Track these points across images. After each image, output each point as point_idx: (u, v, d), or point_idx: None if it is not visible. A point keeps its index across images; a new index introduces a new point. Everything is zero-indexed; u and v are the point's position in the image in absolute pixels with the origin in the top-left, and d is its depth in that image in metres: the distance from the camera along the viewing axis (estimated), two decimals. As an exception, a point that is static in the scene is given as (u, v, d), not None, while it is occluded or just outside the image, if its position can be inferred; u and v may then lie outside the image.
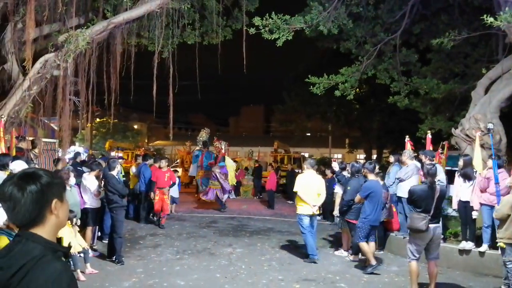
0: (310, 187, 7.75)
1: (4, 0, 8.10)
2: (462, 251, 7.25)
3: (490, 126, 8.14)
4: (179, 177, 13.60)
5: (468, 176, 7.44)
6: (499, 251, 5.98)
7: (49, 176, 1.70)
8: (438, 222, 5.85)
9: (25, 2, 8.22)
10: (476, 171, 7.44)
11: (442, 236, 6.10)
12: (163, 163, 11.05)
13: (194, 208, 14.31)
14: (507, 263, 5.72)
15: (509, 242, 5.66)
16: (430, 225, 5.60)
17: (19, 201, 1.59)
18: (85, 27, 8.70)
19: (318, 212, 8.00)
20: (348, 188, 7.94)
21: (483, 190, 7.04)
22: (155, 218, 11.18)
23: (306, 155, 37.30)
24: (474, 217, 7.35)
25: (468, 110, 9.31)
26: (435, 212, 5.67)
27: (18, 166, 5.65)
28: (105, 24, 8.78)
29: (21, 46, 8.43)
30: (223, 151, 16.12)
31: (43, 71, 7.99)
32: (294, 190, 7.92)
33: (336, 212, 9.51)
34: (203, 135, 18.25)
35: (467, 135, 8.81)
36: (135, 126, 40.73)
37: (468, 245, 7.21)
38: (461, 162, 7.61)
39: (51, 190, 1.66)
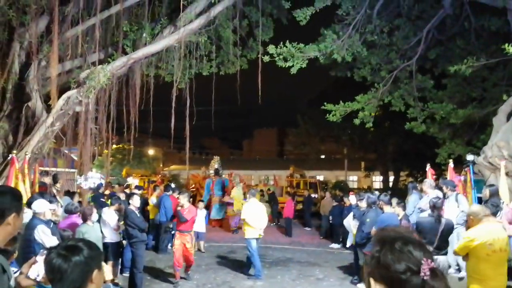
0: (256, 214, 8.96)
1: (28, 39, 8.35)
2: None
3: (469, 158, 8.17)
4: (207, 207, 12.88)
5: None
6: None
7: (90, 247, 1.83)
8: (444, 254, 5.92)
9: (48, 41, 8.48)
10: (503, 202, 7.26)
11: (448, 267, 6.17)
12: (183, 199, 8.48)
13: (210, 237, 14.21)
14: None
15: None
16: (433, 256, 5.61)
17: (65, 272, 1.74)
18: (106, 63, 8.90)
19: (262, 234, 9.27)
20: (367, 220, 7.82)
21: (511, 222, 6.85)
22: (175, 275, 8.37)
23: (321, 178, 37.12)
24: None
25: (490, 138, 9.18)
26: (440, 244, 5.80)
27: (39, 205, 5.66)
28: (125, 59, 8.98)
29: (45, 83, 8.65)
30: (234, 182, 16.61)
31: (66, 107, 8.16)
32: (242, 217, 9.18)
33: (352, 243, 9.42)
34: (214, 164, 18.57)
35: (490, 163, 8.66)
36: (151, 152, 41.03)
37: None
38: (487, 193, 7.43)
39: (93, 260, 1.81)
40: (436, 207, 5.97)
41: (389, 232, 1.39)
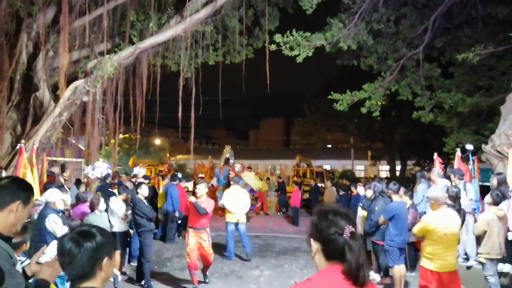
0: (236, 200, 9.60)
1: (36, 29, 8.38)
2: (499, 274, 7.01)
3: (469, 147, 8.12)
4: None
5: (503, 195, 7.22)
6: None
7: (103, 234, 1.85)
8: None
9: (56, 31, 8.50)
10: (511, 190, 7.23)
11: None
12: (202, 189, 7.30)
13: (218, 227, 14.28)
14: (488, 277, 6.02)
15: (488, 257, 5.98)
16: None
17: (76, 257, 1.76)
18: (113, 52, 8.92)
19: (244, 220, 9.84)
20: (376, 208, 7.82)
21: (518, 211, 6.83)
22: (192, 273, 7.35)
23: (328, 167, 37.12)
24: (510, 238, 7.11)
25: (498, 126, 9.11)
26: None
27: (51, 194, 5.76)
28: (132, 49, 8.99)
29: (52, 73, 8.70)
30: (237, 170, 16.50)
31: (73, 97, 8.21)
32: (221, 203, 9.85)
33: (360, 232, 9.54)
34: (226, 153, 18.59)
35: (498, 151, 8.61)
36: (157, 142, 41.19)
37: (506, 267, 6.96)
38: (494, 181, 7.39)
39: (104, 248, 1.82)
40: (458, 197, 5.83)
41: (325, 207, 1.89)
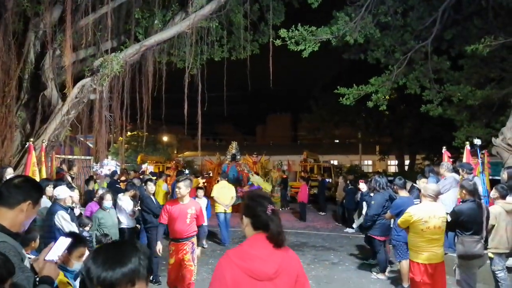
0: (223, 193, 10.85)
1: (43, 28, 8.42)
2: (510, 269, 6.94)
3: (477, 141, 7.99)
4: (207, 196, 11.40)
5: (509, 188, 7.12)
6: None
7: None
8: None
9: (63, 30, 8.54)
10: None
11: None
12: (183, 188, 5.64)
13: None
14: (496, 272, 5.84)
15: (496, 252, 5.80)
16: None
17: None
18: (119, 50, 8.95)
19: (230, 210, 10.94)
20: (372, 202, 7.74)
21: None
22: None
23: (336, 163, 36.98)
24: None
25: (509, 119, 8.97)
26: (487, 234, 5.40)
27: (61, 191, 5.81)
28: (137, 47, 9.01)
29: (60, 72, 8.75)
30: (245, 171, 16.60)
31: (81, 95, 8.26)
32: (211, 195, 10.99)
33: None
34: (232, 149, 18.59)
35: (508, 145, 8.50)
36: (165, 139, 41.31)
37: (515, 261, 6.90)
38: (504, 175, 7.28)
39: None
40: (476, 191, 5.45)
41: (253, 193, 2.54)
